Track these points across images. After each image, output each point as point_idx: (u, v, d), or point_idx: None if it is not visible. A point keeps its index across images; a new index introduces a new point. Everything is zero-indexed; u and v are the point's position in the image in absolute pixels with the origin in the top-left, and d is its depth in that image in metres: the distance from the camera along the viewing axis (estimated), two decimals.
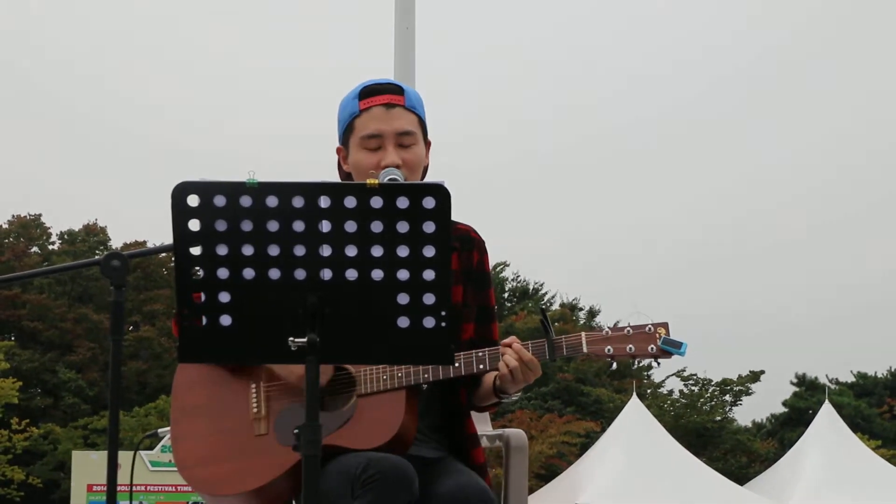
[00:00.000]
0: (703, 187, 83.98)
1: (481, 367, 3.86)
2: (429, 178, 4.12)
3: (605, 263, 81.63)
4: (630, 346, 3.81)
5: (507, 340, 3.86)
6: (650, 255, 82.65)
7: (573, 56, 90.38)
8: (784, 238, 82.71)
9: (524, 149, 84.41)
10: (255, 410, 3.96)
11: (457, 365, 3.84)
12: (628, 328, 3.83)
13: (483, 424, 4.42)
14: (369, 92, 4.06)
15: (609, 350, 3.82)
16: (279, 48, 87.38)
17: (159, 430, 5.83)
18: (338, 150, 4.18)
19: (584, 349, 3.83)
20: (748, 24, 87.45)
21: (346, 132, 4.09)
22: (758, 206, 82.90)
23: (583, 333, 3.85)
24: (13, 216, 53.90)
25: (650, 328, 3.81)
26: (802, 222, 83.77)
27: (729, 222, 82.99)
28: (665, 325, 3.81)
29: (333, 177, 4.20)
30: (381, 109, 4.03)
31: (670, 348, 3.77)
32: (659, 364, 3.87)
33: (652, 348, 3.79)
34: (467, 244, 4.19)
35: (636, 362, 3.86)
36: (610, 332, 3.84)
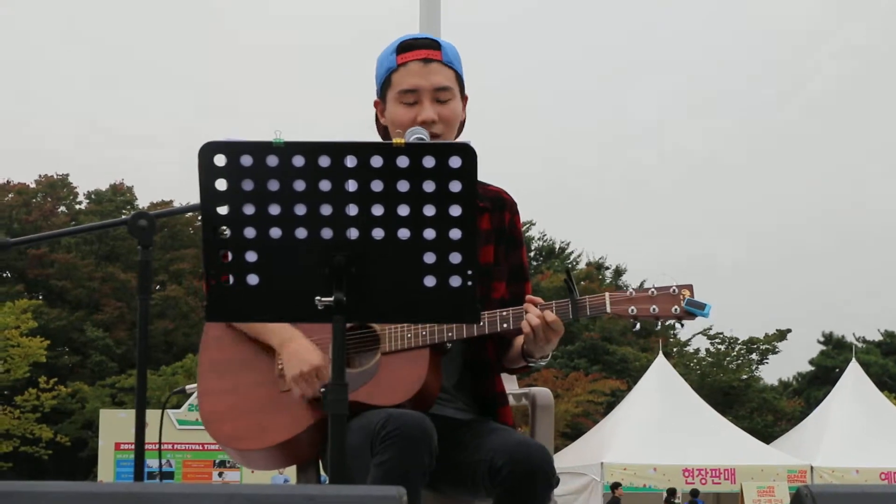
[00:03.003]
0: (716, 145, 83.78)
1: (505, 325, 3.86)
2: (464, 135, 4.13)
3: (632, 222, 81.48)
4: (654, 306, 3.79)
5: (530, 298, 3.86)
6: (677, 216, 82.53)
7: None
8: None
9: (544, 103, 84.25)
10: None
11: (481, 324, 3.84)
12: (652, 289, 3.81)
13: (509, 383, 4.41)
14: (407, 47, 4.05)
15: (633, 310, 3.80)
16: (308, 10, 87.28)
17: (187, 387, 5.85)
18: (375, 104, 4.17)
19: (608, 309, 3.82)
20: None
21: (384, 86, 4.08)
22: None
23: (607, 294, 3.83)
24: (41, 176, 54.14)
25: (674, 289, 3.78)
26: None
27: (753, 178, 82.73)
28: (689, 287, 3.79)
29: (371, 131, 4.21)
30: (419, 64, 4.02)
31: (694, 309, 3.75)
32: (683, 325, 3.87)
33: (675, 309, 3.77)
34: (499, 205, 4.18)
35: (660, 323, 3.85)
36: (634, 293, 3.83)
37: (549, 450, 3.96)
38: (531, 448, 3.74)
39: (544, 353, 3.92)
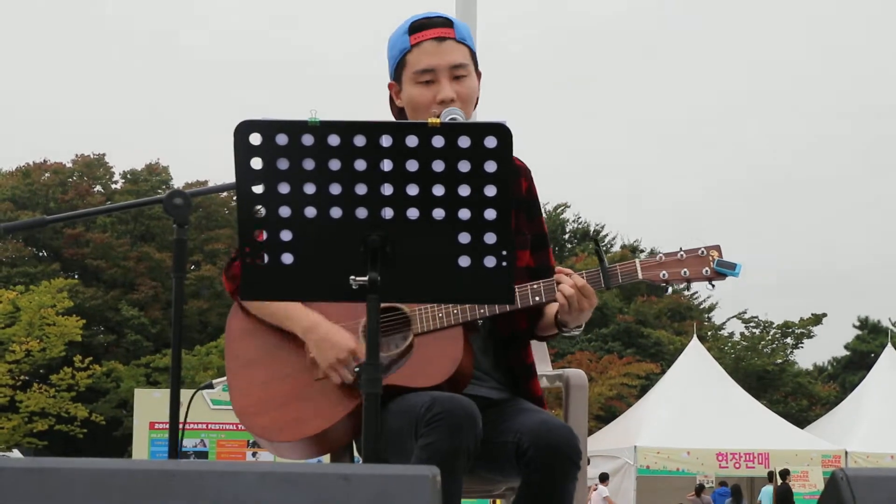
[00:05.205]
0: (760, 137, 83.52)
1: (537, 298, 3.84)
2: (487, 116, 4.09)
3: (667, 206, 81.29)
4: (684, 269, 3.81)
5: (560, 269, 3.84)
6: (712, 200, 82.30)
7: None
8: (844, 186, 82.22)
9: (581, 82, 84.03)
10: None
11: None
12: (681, 253, 3.83)
13: (543, 365, 4.41)
14: (419, 26, 4.02)
15: (664, 275, 3.83)
16: None
17: (214, 381, 5.82)
18: (390, 86, 4.14)
19: (639, 276, 3.85)
20: None
21: (399, 68, 4.05)
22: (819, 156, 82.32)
23: (637, 261, 3.86)
24: (77, 155, 54.32)
25: (703, 251, 3.81)
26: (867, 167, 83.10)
27: (785, 165, 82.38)
28: (717, 248, 3.81)
29: (385, 113, 4.19)
30: (433, 43, 3.99)
31: (724, 270, 3.76)
32: (713, 286, 3.85)
33: (706, 270, 3.79)
34: (513, 173, 4.14)
35: (689, 286, 3.88)
36: (664, 258, 3.85)
37: (581, 431, 3.95)
38: (554, 428, 3.73)
39: (579, 322, 3.90)
